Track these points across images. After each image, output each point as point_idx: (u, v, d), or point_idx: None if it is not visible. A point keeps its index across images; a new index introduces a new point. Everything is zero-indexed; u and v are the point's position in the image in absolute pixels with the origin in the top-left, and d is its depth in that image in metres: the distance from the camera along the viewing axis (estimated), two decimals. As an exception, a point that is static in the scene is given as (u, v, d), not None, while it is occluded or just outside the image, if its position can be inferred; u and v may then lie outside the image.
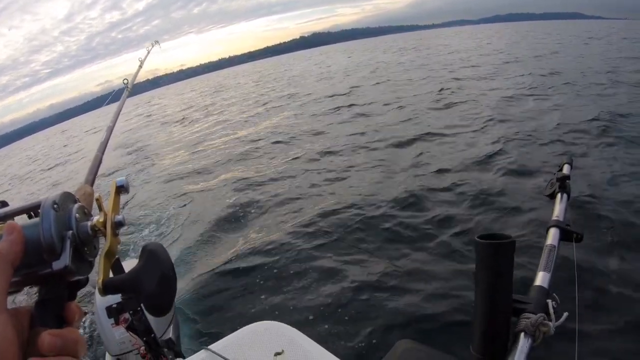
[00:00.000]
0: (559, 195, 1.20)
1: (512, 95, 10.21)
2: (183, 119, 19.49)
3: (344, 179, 6.06)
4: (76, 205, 0.50)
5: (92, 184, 0.82)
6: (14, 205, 0.53)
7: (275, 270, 3.81)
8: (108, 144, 1.21)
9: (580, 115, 7.40)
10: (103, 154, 1.08)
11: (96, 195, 0.58)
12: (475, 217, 4.19)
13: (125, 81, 1.75)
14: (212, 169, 8.27)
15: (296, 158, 7.66)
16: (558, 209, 1.15)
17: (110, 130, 1.25)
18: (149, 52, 2.41)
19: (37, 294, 0.47)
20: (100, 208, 0.55)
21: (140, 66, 2.13)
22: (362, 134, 8.55)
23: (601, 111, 7.36)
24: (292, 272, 3.74)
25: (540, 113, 8.16)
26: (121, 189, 0.57)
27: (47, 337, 0.41)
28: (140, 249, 0.54)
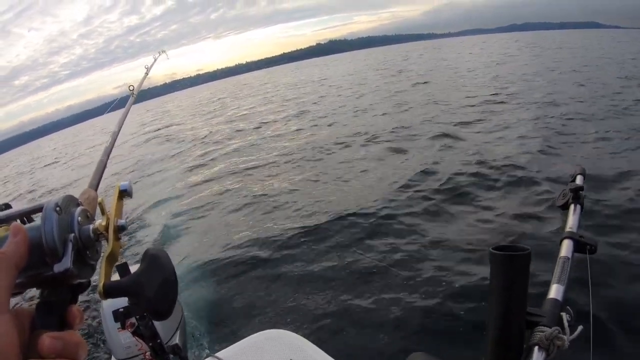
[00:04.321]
0: (572, 206, 1.18)
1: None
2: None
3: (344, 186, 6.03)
4: (79, 209, 0.50)
5: (96, 188, 0.82)
6: (17, 207, 0.53)
7: (283, 278, 3.80)
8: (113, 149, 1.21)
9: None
10: (108, 158, 1.09)
11: (99, 199, 0.58)
12: (487, 225, 4.13)
13: (131, 88, 1.76)
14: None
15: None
16: (571, 221, 1.13)
17: (115, 135, 1.26)
18: (155, 60, 2.42)
19: (39, 296, 0.47)
20: (103, 212, 0.54)
21: (147, 74, 2.14)
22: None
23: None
24: (300, 279, 3.73)
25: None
26: (124, 194, 0.57)
27: (48, 339, 0.41)
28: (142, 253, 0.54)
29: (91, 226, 0.50)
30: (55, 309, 0.46)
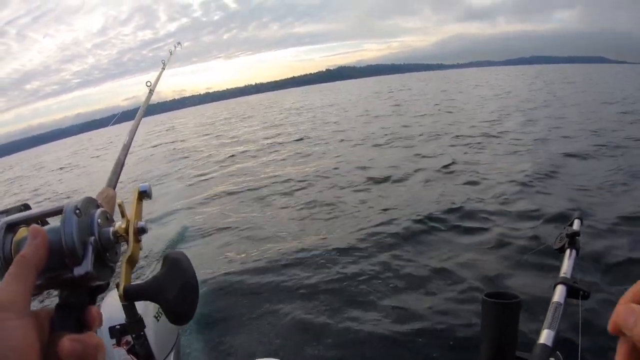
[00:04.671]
0: (567, 251, 1.19)
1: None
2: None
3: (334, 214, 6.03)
4: (98, 211, 0.50)
5: (114, 186, 0.82)
6: (36, 209, 0.53)
7: (277, 302, 3.74)
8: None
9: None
10: (126, 157, 1.08)
11: (118, 200, 0.59)
12: (478, 265, 4.04)
13: (149, 83, 1.75)
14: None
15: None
16: (566, 266, 1.15)
17: (132, 133, 1.24)
18: (171, 54, 2.29)
19: (58, 297, 0.47)
20: (123, 214, 0.54)
21: (163, 68, 2.09)
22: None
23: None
24: (293, 304, 3.67)
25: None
26: (144, 195, 0.57)
27: (68, 342, 0.41)
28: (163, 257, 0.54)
29: (111, 229, 0.50)
30: (74, 311, 0.46)
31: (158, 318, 1.76)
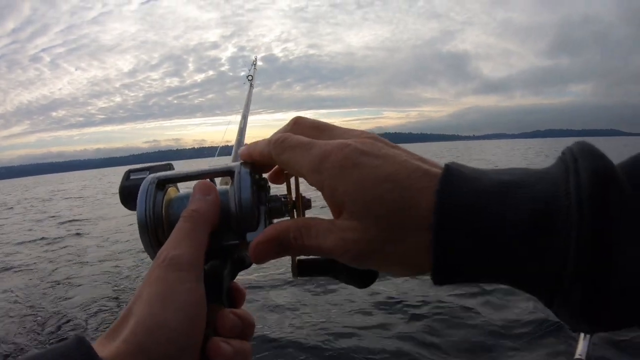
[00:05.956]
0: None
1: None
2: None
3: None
4: (266, 176, 0.45)
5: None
6: (190, 168, 0.47)
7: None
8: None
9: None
10: (247, 119, 1.05)
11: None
12: (491, 344, 3.92)
13: (250, 77, 1.47)
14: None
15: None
16: (581, 347, 1.16)
17: (249, 95, 1.21)
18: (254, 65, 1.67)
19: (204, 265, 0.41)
20: (289, 185, 0.47)
21: (254, 64, 1.64)
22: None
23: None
24: None
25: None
26: None
27: (231, 316, 0.37)
28: None
29: (282, 199, 0.45)
30: (225, 283, 0.41)
31: None
